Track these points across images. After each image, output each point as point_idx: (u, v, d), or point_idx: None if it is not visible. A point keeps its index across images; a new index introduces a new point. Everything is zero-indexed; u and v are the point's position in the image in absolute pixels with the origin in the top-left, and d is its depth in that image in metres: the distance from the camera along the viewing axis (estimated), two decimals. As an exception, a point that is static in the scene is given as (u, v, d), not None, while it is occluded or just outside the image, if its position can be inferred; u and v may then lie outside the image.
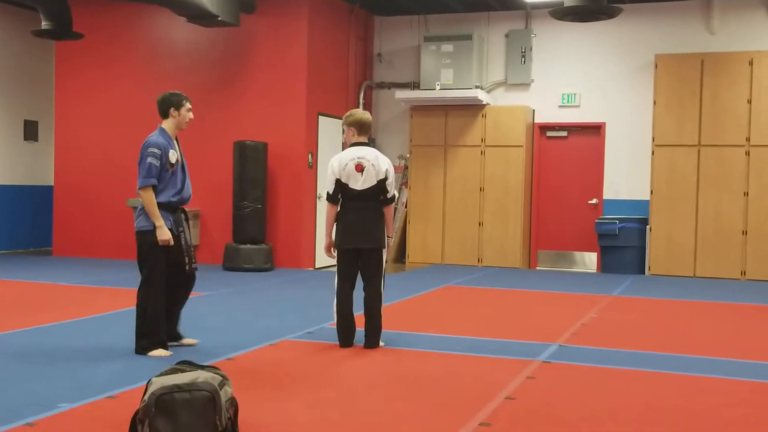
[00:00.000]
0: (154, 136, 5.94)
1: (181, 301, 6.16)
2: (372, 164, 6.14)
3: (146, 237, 5.87)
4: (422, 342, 6.56)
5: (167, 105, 6.00)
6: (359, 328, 6.29)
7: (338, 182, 6.20)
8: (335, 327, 6.30)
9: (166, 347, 5.85)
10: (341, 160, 6.23)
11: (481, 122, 12.58)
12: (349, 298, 6.25)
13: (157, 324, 5.84)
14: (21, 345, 6.18)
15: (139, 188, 5.88)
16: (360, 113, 6.47)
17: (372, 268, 6.21)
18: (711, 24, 11.93)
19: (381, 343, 6.23)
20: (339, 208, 6.28)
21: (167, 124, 6.02)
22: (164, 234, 5.80)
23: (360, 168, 6.14)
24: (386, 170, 6.17)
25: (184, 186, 6.02)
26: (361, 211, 6.18)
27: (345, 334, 6.23)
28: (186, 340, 6.18)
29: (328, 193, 6.28)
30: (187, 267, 5.99)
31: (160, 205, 5.85)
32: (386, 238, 6.30)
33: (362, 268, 6.25)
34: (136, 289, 5.92)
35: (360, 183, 6.14)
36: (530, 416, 4.54)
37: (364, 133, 6.35)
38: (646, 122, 12.02)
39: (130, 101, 12.49)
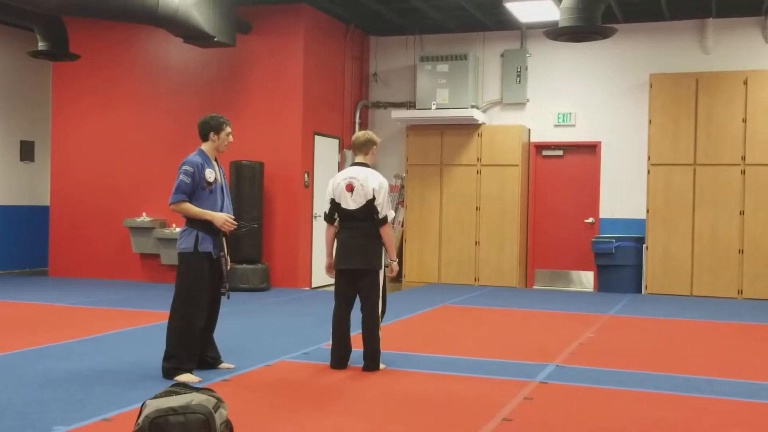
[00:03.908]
0: (191, 156, 5.98)
1: (212, 324, 6.13)
2: (361, 184, 6.13)
3: (187, 258, 5.87)
4: (419, 363, 6.53)
5: (207, 129, 6.05)
6: (358, 349, 6.26)
7: (332, 202, 6.24)
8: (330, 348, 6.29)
9: (192, 372, 5.79)
10: (335, 179, 6.31)
11: (476, 141, 12.60)
12: (344, 320, 6.23)
13: (190, 347, 5.80)
14: (16, 366, 6.14)
15: (170, 204, 5.89)
16: (356, 134, 6.48)
17: (365, 290, 6.18)
18: (705, 43, 11.99)
19: (381, 366, 6.19)
20: (338, 228, 6.29)
21: (206, 147, 6.06)
22: (218, 219, 5.86)
23: (350, 188, 6.15)
24: (374, 189, 6.10)
25: (223, 207, 6.03)
26: (354, 231, 6.16)
27: (337, 357, 6.21)
28: (224, 365, 6.15)
29: (324, 212, 6.32)
30: (224, 293, 6.02)
31: (201, 225, 5.87)
32: (385, 260, 6.24)
33: (358, 290, 6.23)
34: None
35: (350, 202, 6.14)
36: (528, 438, 4.52)
37: (359, 153, 6.34)
38: (642, 141, 12.05)
39: (127, 121, 12.51)
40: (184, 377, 5.64)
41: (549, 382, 5.85)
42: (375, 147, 6.36)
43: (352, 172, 6.22)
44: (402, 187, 13.29)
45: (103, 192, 12.58)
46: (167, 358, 5.81)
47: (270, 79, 11.82)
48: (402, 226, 13.11)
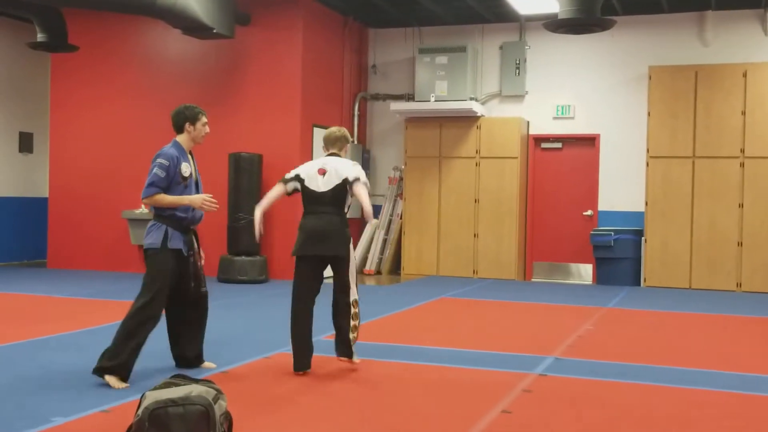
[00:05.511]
0: (167, 148, 5.68)
1: (195, 323, 5.89)
2: (334, 168, 6.00)
3: (154, 255, 5.56)
4: (417, 354, 6.54)
5: (182, 119, 5.78)
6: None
7: (298, 177, 6.01)
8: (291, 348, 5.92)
9: (126, 379, 5.36)
10: (306, 164, 6.17)
11: (475, 134, 12.59)
12: (308, 315, 5.95)
13: (133, 353, 5.41)
14: (14, 358, 6.15)
15: (143, 198, 5.58)
16: (330, 130, 6.36)
17: (340, 276, 5.95)
18: (704, 36, 11.97)
19: (356, 359, 5.97)
20: (302, 216, 6.03)
21: (182, 139, 5.79)
22: (197, 201, 5.60)
23: (322, 172, 6.02)
24: (348, 170, 5.94)
25: None
26: (322, 216, 5.91)
27: (300, 357, 5.82)
28: (206, 364, 5.94)
29: (284, 177, 6.09)
30: (194, 289, 5.75)
31: (171, 221, 5.61)
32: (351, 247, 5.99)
33: (335, 277, 6.00)
34: (131, 301, 5.71)
35: (321, 185, 5.96)
36: (527, 430, 4.52)
37: (333, 147, 6.22)
38: (641, 134, 12.04)
39: (125, 113, 12.50)
40: (112, 380, 5.28)
41: (548, 374, 5.86)
42: (348, 145, 6.26)
43: (324, 160, 6.12)
44: (400, 179, 13.28)
45: (101, 183, 12.57)
46: (107, 356, 5.37)
47: (269, 71, 11.80)
48: (401, 218, 13.11)
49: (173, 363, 5.92)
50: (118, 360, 5.34)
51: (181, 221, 5.67)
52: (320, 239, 5.87)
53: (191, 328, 5.90)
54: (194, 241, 5.81)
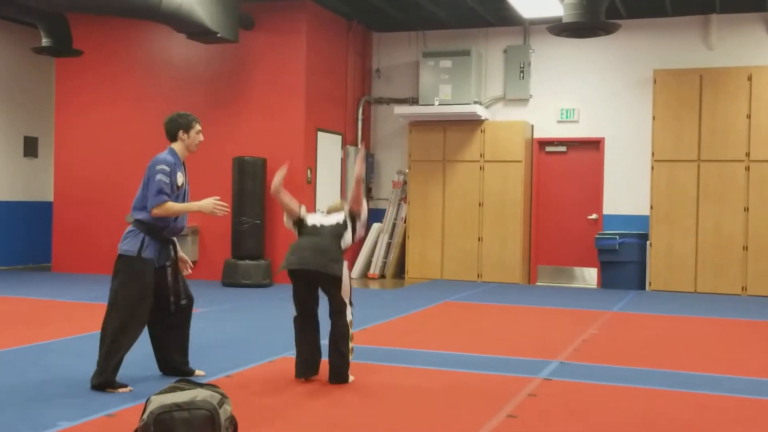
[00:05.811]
0: (164, 154, 5.53)
1: (177, 328, 5.71)
2: (337, 215, 5.97)
3: (128, 263, 5.39)
4: (421, 359, 6.53)
5: (176, 127, 5.61)
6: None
7: (299, 219, 5.98)
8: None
9: (120, 385, 5.33)
10: (308, 214, 6.09)
11: (479, 137, 12.58)
12: (309, 321, 5.89)
13: (117, 367, 5.35)
14: (18, 362, 6.15)
15: (154, 207, 5.36)
16: (335, 203, 6.31)
17: (334, 297, 5.74)
18: (709, 39, 11.96)
19: (351, 377, 5.73)
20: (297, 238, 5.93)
21: (177, 147, 5.65)
22: (207, 206, 5.47)
23: (323, 217, 5.99)
24: (345, 215, 5.92)
25: (178, 217, 5.57)
26: (316, 237, 5.77)
27: (303, 364, 5.78)
28: (196, 372, 5.79)
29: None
30: (174, 304, 5.59)
31: (148, 229, 5.44)
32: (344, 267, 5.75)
33: (327, 296, 5.82)
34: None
35: (323, 222, 5.90)
36: (531, 434, 4.52)
37: (332, 212, 6.19)
38: (646, 137, 12.03)
39: (130, 117, 12.51)
40: (111, 390, 5.27)
41: (553, 378, 5.85)
42: None
43: (326, 214, 6.10)
44: (404, 183, 13.27)
45: (106, 187, 12.58)
46: (100, 372, 5.34)
47: (273, 75, 11.81)
48: (404, 222, 13.10)
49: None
50: (105, 375, 5.31)
51: (161, 231, 5.50)
52: (310, 254, 5.65)
53: (174, 333, 5.72)
54: (172, 252, 5.61)
